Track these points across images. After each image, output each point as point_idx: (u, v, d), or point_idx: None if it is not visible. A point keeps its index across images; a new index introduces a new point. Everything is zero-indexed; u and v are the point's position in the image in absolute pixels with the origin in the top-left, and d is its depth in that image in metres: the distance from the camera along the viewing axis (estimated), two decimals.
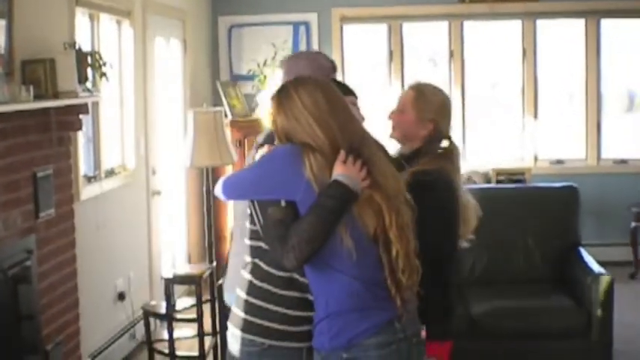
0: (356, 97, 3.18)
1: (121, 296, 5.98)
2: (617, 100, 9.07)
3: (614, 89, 8.93)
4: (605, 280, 5.28)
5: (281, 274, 2.84)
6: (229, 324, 2.97)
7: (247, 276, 2.93)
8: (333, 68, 3.44)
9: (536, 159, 8.62)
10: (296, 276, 2.82)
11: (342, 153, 2.67)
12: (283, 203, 2.71)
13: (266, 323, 2.85)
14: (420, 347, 2.81)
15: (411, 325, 2.76)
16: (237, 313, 2.93)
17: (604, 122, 8.65)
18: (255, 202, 2.85)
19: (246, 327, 2.88)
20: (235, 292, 2.99)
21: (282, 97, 2.78)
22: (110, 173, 5.96)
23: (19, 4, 4.36)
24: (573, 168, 8.51)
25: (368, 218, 2.66)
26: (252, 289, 2.90)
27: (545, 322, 5.28)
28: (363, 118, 3.10)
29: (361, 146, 2.72)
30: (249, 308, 2.89)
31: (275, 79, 7.96)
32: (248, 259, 2.94)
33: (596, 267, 5.46)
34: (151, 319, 5.71)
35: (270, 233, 2.73)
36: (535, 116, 8.64)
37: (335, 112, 2.72)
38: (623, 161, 8.58)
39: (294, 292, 2.84)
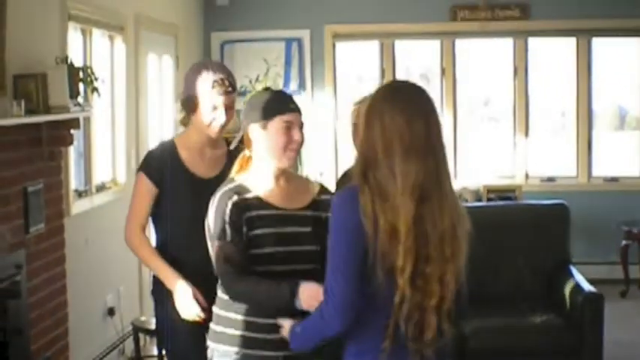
0: (300, 114, 3.01)
1: (111, 311, 5.96)
2: (608, 118, 9.11)
3: (605, 107, 8.97)
4: (595, 299, 5.29)
5: None
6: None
7: (219, 290, 2.98)
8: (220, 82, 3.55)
9: (527, 176, 8.63)
10: None
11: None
12: (229, 237, 2.80)
13: (239, 332, 2.87)
14: None
15: None
16: (211, 326, 2.96)
17: (595, 140, 8.67)
18: (208, 229, 2.93)
19: (220, 338, 2.91)
20: None
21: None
22: (101, 188, 5.95)
23: (11, 18, 4.36)
24: (564, 186, 8.53)
25: (394, 258, 2.44)
26: (223, 303, 2.96)
27: (535, 341, 5.28)
28: (302, 139, 2.98)
29: (434, 186, 2.49)
30: (222, 321, 2.95)
31: None
32: None
33: (586, 285, 5.46)
34: (141, 335, 5.69)
35: (219, 267, 2.84)
36: (526, 134, 8.66)
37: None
38: (614, 179, 8.60)
39: None
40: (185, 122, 3.71)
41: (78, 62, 5.17)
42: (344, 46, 8.81)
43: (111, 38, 6.21)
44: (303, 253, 2.94)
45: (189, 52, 8.07)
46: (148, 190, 3.58)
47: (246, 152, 3.02)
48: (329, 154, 8.64)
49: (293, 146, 2.95)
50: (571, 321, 5.34)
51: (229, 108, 3.60)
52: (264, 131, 2.93)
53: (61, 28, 5.13)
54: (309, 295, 2.71)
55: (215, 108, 3.57)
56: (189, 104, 3.59)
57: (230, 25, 8.63)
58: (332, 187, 3.75)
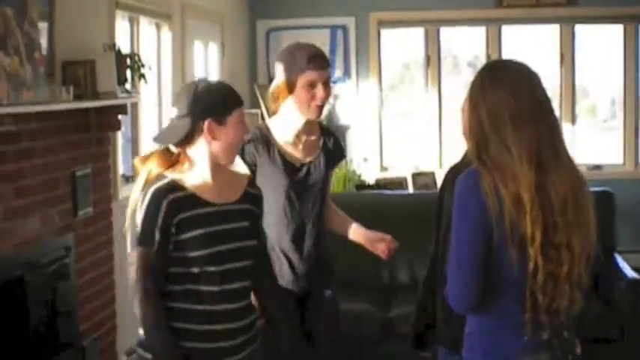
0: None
1: None
2: None
3: None
4: (639, 286, 5.26)
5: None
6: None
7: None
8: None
9: None
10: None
11: None
12: (156, 246, 2.72)
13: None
14: None
15: (568, 342, 2.61)
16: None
17: None
18: (132, 228, 2.82)
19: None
20: None
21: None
22: None
23: (60, 6, 4.45)
24: (611, 173, 8.45)
25: (524, 227, 2.42)
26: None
27: (576, 328, 5.25)
28: (247, 130, 2.89)
29: (550, 153, 2.50)
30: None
31: None
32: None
33: (630, 272, 5.44)
34: None
35: (137, 274, 2.82)
36: (573, 121, 8.60)
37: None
38: None
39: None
40: (275, 111, 3.60)
41: (125, 49, 5.26)
42: (389, 34, 8.82)
43: (158, 26, 6.29)
44: (243, 249, 2.82)
45: (235, 40, 8.14)
46: None
47: (172, 148, 2.82)
48: (374, 140, 8.66)
49: (243, 140, 2.89)
50: (614, 309, 5.31)
51: (326, 84, 3.51)
52: (220, 127, 2.74)
53: (109, 16, 5.21)
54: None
55: (313, 85, 3.47)
56: (287, 87, 3.48)
57: (275, 12, 8.68)
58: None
